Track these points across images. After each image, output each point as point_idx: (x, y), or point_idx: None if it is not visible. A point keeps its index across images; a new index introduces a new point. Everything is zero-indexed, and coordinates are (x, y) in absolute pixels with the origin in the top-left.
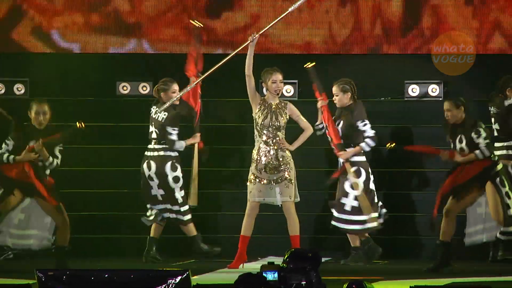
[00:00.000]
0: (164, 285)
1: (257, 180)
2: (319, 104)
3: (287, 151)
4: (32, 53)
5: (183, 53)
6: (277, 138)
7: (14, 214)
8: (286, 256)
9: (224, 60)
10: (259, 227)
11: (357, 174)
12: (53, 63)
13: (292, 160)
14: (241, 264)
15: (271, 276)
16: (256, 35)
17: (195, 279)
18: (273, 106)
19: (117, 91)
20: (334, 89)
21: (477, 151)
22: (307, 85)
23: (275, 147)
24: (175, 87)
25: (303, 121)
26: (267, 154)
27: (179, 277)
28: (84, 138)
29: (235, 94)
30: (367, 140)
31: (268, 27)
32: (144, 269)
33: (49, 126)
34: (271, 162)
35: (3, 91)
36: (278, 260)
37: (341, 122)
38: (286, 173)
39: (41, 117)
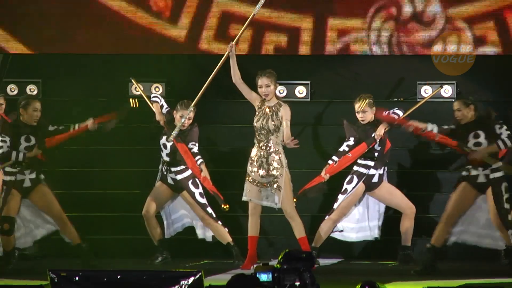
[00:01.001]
0: (177, 286)
1: (249, 179)
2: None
3: (281, 157)
4: (45, 54)
5: (196, 54)
6: (270, 142)
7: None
8: (280, 257)
9: (209, 79)
10: (272, 228)
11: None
12: (65, 63)
13: (284, 167)
14: (253, 266)
15: (265, 276)
16: (233, 44)
17: (208, 280)
18: (267, 109)
19: (130, 92)
20: (360, 106)
21: (499, 141)
22: (319, 86)
23: (267, 151)
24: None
25: (286, 129)
26: (259, 157)
27: (192, 278)
28: (96, 139)
29: (239, 95)
30: (395, 110)
31: (240, 33)
32: (157, 270)
33: (41, 122)
34: (262, 166)
35: (16, 92)
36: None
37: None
38: (276, 179)
39: (37, 114)
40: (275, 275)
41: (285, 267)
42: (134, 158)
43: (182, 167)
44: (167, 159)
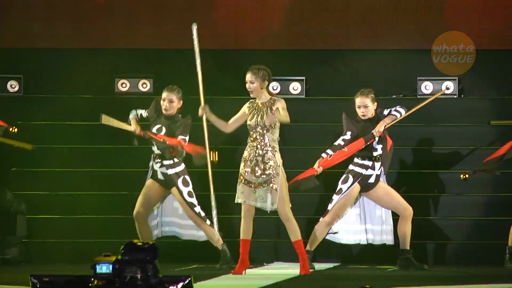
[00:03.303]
0: None
1: (242, 180)
2: None
3: (276, 156)
4: (27, 48)
5: (186, 49)
6: (265, 139)
7: None
8: (121, 248)
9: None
10: (266, 231)
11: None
12: (48, 58)
13: (280, 166)
14: (244, 270)
15: (105, 268)
16: (202, 106)
17: (198, 286)
18: (260, 105)
19: (116, 88)
20: (362, 100)
21: None
22: (314, 82)
23: (262, 149)
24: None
25: (283, 111)
26: (255, 156)
27: (181, 284)
28: (82, 138)
29: (238, 92)
30: (397, 108)
31: (201, 93)
32: None
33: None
34: (258, 165)
35: None
36: (285, 266)
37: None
38: (272, 178)
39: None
40: (116, 266)
41: (126, 258)
42: (125, 158)
43: (174, 160)
44: (158, 152)
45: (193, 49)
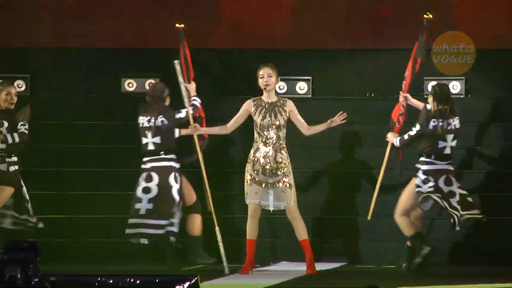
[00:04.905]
0: None
1: (254, 181)
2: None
3: (285, 153)
4: (33, 48)
5: (192, 48)
6: (278, 139)
7: None
8: (1, 247)
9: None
10: (272, 231)
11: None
12: (55, 58)
13: (290, 163)
14: (251, 270)
15: None
16: (192, 126)
17: (205, 285)
18: (271, 105)
19: (122, 88)
20: None
21: None
22: (321, 82)
23: (275, 148)
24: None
25: (301, 121)
26: (266, 155)
27: (188, 283)
28: (88, 137)
29: (244, 92)
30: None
31: (190, 115)
32: (151, 274)
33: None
34: (270, 164)
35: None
36: (292, 265)
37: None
38: (285, 176)
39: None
40: None
41: (5, 257)
42: (130, 158)
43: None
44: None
45: (178, 80)
